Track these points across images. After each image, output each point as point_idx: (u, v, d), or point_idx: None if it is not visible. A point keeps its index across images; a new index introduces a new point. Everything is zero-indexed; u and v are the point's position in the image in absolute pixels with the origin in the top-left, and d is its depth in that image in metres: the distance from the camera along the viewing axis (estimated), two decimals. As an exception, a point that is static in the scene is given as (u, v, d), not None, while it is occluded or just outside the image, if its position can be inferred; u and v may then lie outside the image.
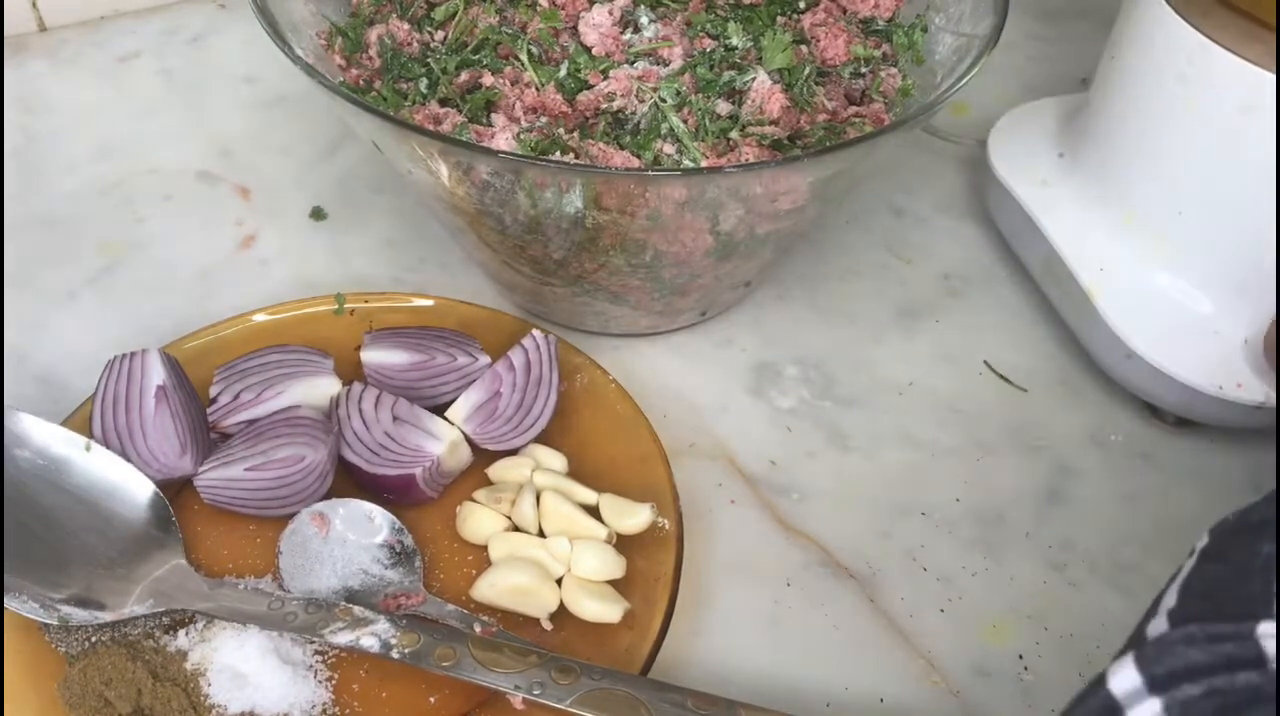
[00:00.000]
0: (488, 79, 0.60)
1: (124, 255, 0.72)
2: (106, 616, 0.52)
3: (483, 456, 0.60)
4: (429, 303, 0.66)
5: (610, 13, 0.61)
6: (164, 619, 0.53)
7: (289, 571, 0.55)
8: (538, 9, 0.63)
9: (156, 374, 0.58)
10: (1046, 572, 0.60)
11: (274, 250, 0.73)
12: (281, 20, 0.60)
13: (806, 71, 0.60)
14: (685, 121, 0.58)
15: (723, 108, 0.59)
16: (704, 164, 0.57)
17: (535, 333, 0.61)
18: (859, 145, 0.54)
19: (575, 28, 0.63)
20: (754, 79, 0.59)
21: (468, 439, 0.59)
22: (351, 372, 0.62)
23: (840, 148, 0.53)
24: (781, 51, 0.60)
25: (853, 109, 0.62)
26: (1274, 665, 0.32)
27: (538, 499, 0.57)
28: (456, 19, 0.63)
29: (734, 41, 0.61)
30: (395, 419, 0.58)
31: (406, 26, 0.63)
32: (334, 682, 0.52)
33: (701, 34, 0.62)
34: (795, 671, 0.56)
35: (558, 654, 0.50)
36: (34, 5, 0.84)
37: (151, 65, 0.84)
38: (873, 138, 0.54)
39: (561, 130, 0.58)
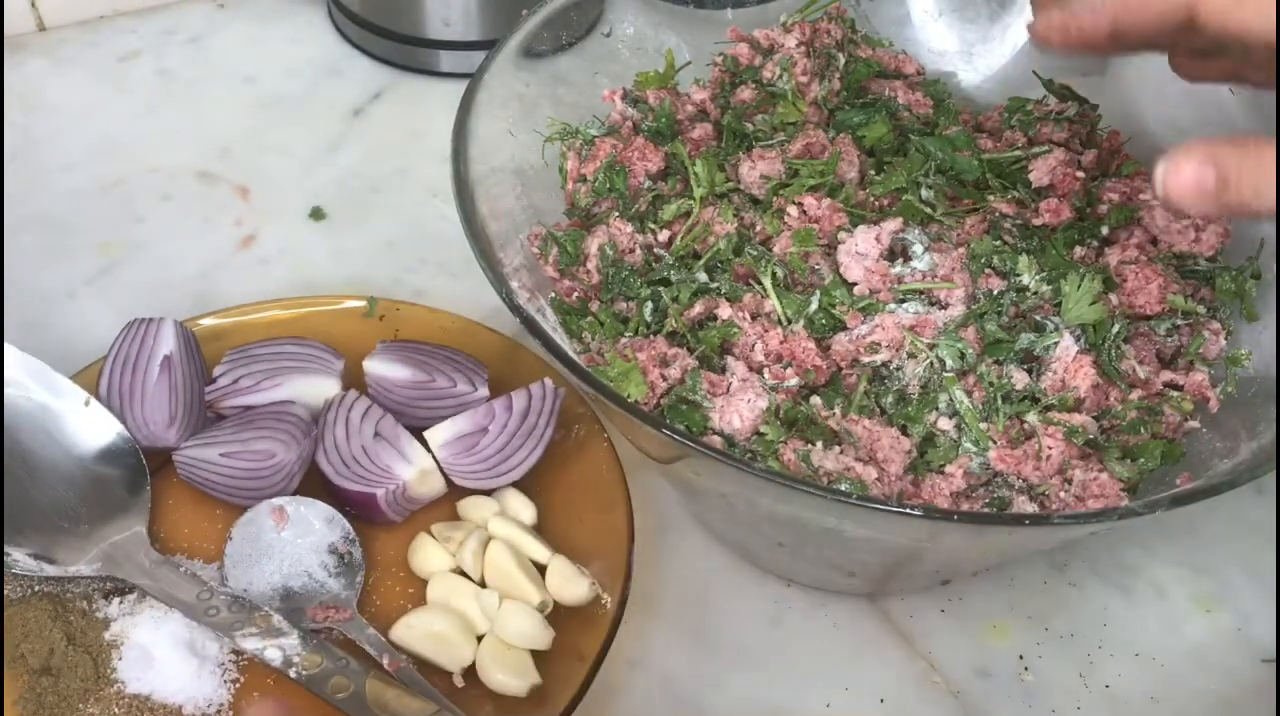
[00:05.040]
0: (724, 310, 0.51)
1: (123, 255, 0.72)
2: (52, 570, 0.52)
3: (458, 488, 0.58)
4: (454, 321, 0.64)
5: (878, 239, 0.51)
6: (105, 584, 0.53)
7: (234, 558, 0.55)
8: (785, 219, 0.54)
9: (166, 344, 0.58)
10: (1047, 572, 0.60)
11: (273, 250, 0.73)
12: (487, 211, 0.52)
13: (1115, 329, 0.51)
14: (970, 393, 0.49)
15: (1016, 377, 0.50)
16: (994, 454, 0.48)
17: (546, 381, 0.59)
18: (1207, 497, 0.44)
19: (829, 247, 0.53)
20: (1056, 343, 0.50)
21: (441, 468, 0.57)
22: (362, 375, 0.60)
23: (1190, 499, 0.44)
24: (1090, 304, 0.50)
25: (1166, 375, 0.52)
26: None
27: (487, 546, 0.55)
28: (690, 223, 0.55)
29: (1025, 281, 0.51)
30: (376, 435, 0.57)
31: (629, 229, 0.55)
32: (238, 685, 0.52)
33: (987, 270, 0.52)
34: (795, 671, 0.56)
35: (456, 709, 0.49)
36: (33, 5, 0.84)
37: (151, 65, 0.84)
38: (1218, 491, 0.44)
39: (818, 400, 0.50)
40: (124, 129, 0.80)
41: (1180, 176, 0.41)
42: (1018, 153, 0.58)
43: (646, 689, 0.55)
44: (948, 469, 0.49)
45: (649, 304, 0.53)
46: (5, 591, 0.52)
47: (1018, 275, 0.52)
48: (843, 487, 0.46)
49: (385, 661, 0.51)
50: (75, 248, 0.72)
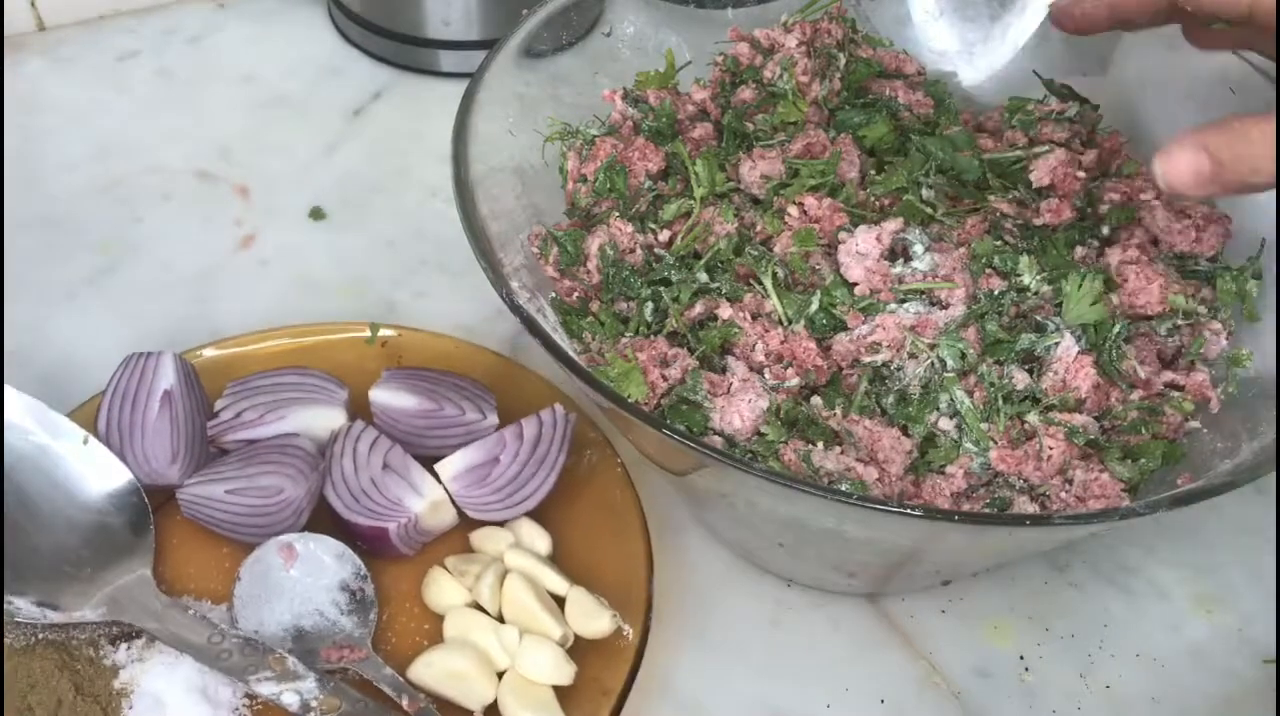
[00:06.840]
0: (725, 310, 0.51)
1: (123, 255, 0.72)
2: (55, 617, 0.51)
3: (470, 518, 0.57)
4: (457, 346, 0.63)
5: (879, 239, 0.51)
6: (112, 629, 0.52)
7: (244, 599, 0.53)
8: (786, 219, 0.54)
9: (166, 378, 0.57)
10: (1048, 573, 0.60)
11: (273, 250, 0.73)
12: (487, 211, 0.52)
13: (1116, 330, 0.50)
14: (971, 393, 0.49)
15: (1017, 377, 0.49)
16: (995, 454, 0.48)
17: (557, 407, 0.57)
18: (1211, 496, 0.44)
19: (830, 247, 0.53)
20: (1057, 343, 0.50)
21: (452, 499, 0.56)
22: (367, 404, 0.59)
23: (1191, 499, 0.44)
24: (1091, 304, 0.50)
25: (1167, 375, 0.52)
26: None
27: (503, 579, 0.54)
28: (690, 223, 0.55)
29: (1026, 281, 0.51)
30: (385, 467, 0.56)
31: (630, 229, 0.54)
32: None
33: (988, 270, 0.52)
34: (795, 671, 0.56)
35: None
36: (33, 4, 0.84)
37: (150, 64, 0.84)
38: (1219, 492, 0.44)
39: (819, 400, 0.49)
40: (124, 129, 0.79)
41: (1176, 167, 0.43)
42: (1018, 153, 0.57)
43: (646, 689, 0.55)
44: (948, 469, 0.49)
45: (649, 304, 0.53)
46: (8, 640, 0.50)
47: (1018, 275, 0.52)
48: (843, 488, 0.46)
49: (404, 702, 0.50)
50: (75, 248, 0.72)
